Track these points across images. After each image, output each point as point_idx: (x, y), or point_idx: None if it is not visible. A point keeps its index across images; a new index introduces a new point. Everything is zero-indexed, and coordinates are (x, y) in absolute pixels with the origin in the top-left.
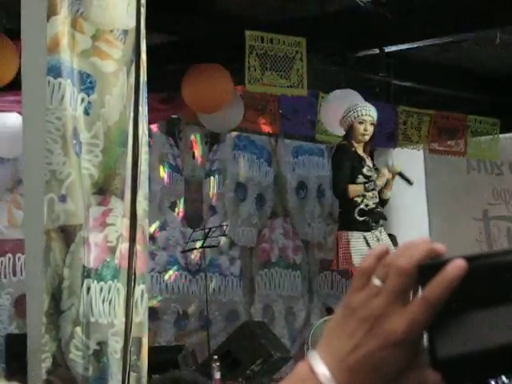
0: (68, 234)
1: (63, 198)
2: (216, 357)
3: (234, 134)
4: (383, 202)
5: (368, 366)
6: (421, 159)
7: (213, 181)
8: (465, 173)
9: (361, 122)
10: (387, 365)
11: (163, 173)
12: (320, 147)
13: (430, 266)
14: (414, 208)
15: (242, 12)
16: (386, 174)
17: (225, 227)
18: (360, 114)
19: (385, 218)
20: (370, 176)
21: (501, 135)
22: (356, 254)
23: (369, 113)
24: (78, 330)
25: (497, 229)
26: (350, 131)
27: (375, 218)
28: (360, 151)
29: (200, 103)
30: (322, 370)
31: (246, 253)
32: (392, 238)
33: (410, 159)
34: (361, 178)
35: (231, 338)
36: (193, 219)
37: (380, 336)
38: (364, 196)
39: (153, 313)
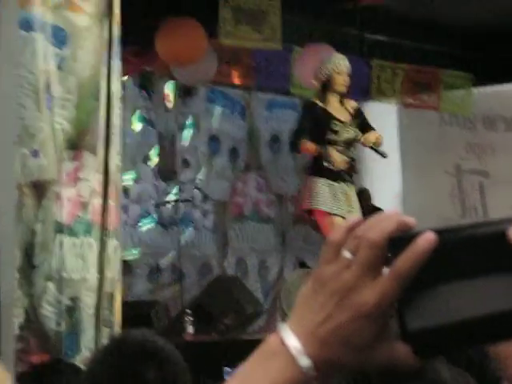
0: (40, 189)
1: (36, 153)
2: (189, 311)
3: (207, 87)
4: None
5: (339, 337)
6: (394, 113)
7: (186, 134)
8: (437, 127)
9: (339, 73)
10: (358, 337)
11: (136, 126)
12: (294, 101)
13: (400, 239)
14: (387, 162)
15: None
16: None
17: (198, 183)
18: (338, 64)
19: (355, 172)
20: (338, 131)
21: (474, 89)
22: (320, 198)
23: (346, 63)
24: (51, 285)
25: (469, 183)
26: (329, 83)
27: (345, 170)
28: (332, 108)
29: (174, 57)
30: (292, 342)
31: (219, 206)
32: (365, 191)
33: (383, 113)
34: (330, 134)
35: (204, 292)
36: (166, 173)
37: (351, 308)
38: (336, 149)
39: (125, 266)
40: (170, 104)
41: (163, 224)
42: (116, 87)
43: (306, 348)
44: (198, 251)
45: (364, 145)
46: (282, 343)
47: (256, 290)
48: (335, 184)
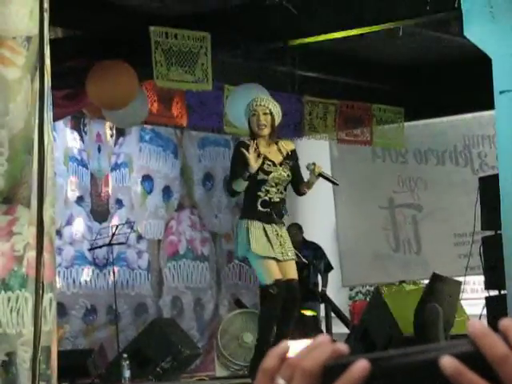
0: None
1: None
2: (125, 355)
3: (140, 126)
4: (300, 194)
5: None
6: (326, 148)
7: (119, 174)
8: (370, 161)
9: (254, 115)
10: None
11: (68, 167)
12: (226, 138)
13: (334, 367)
14: (320, 197)
15: (146, 6)
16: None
17: (133, 223)
18: (251, 107)
19: (286, 213)
20: (271, 172)
21: (405, 123)
22: (255, 241)
23: (260, 103)
24: None
25: (402, 217)
26: (249, 127)
27: (278, 212)
28: (263, 146)
29: (105, 100)
30: None
31: (153, 245)
32: (297, 227)
33: (315, 149)
34: (261, 175)
35: (140, 335)
36: (99, 213)
37: None
38: (267, 191)
39: (61, 308)
40: (102, 144)
41: (97, 265)
42: (49, 139)
43: None
44: (133, 291)
45: (315, 173)
46: None
47: (192, 329)
48: (267, 225)
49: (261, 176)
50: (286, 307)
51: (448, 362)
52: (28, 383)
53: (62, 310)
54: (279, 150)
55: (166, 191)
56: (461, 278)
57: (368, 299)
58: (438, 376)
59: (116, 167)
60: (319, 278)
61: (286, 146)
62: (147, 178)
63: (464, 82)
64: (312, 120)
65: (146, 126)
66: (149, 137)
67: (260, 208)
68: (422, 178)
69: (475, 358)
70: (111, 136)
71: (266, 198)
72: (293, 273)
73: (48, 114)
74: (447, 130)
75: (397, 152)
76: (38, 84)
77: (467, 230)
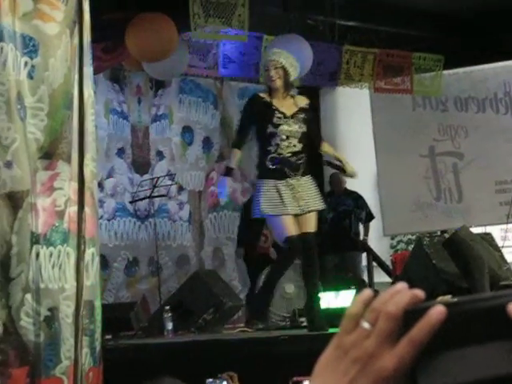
0: (15, 201)
1: (9, 164)
2: (168, 307)
3: (179, 78)
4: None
5: None
6: (366, 97)
7: (159, 126)
8: (410, 110)
9: (267, 70)
10: None
11: (109, 119)
12: (266, 88)
13: (414, 311)
14: (361, 146)
15: None
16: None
17: (174, 175)
18: (264, 62)
19: (303, 163)
20: (280, 124)
21: (445, 71)
22: (266, 202)
23: (272, 57)
24: (28, 296)
25: (443, 165)
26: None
27: (291, 166)
28: (277, 99)
29: (144, 53)
30: None
31: (194, 197)
32: (336, 175)
33: (355, 98)
34: (270, 128)
35: (182, 287)
36: (140, 165)
37: (373, 373)
38: (278, 145)
39: (103, 260)
40: (142, 96)
41: (139, 217)
42: (89, 94)
43: None
44: (174, 243)
45: (326, 159)
46: None
47: (234, 280)
48: (280, 182)
49: (270, 129)
50: (305, 260)
51: None
52: (71, 338)
53: (103, 263)
54: (294, 103)
55: (206, 142)
56: (502, 226)
57: (410, 248)
58: (506, 321)
59: (156, 119)
60: (361, 227)
61: (301, 100)
62: (187, 130)
63: (505, 29)
64: (349, 69)
65: (185, 78)
66: (188, 88)
67: (269, 166)
68: (463, 125)
69: None
70: (151, 88)
71: (275, 154)
72: (309, 226)
73: (88, 69)
74: (488, 77)
75: (437, 100)
76: (77, 39)
77: (508, 178)
